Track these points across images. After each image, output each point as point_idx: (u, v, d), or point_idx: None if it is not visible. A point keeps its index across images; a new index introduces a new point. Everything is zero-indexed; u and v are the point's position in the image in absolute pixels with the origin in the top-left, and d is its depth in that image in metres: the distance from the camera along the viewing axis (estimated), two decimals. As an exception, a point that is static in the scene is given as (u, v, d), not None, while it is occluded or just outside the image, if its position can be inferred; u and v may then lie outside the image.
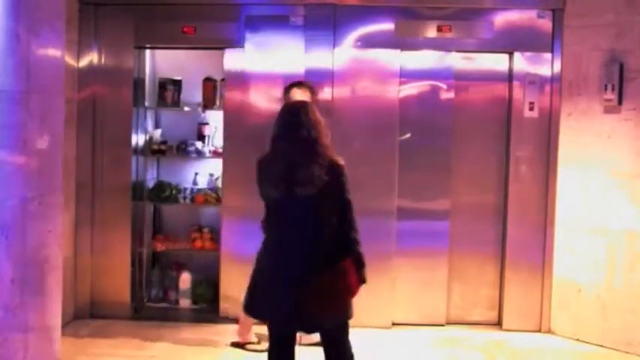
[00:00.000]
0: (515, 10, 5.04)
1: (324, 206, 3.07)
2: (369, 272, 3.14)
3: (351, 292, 3.10)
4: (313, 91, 4.46)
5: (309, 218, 3.07)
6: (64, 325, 4.78)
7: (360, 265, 3.12)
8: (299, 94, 4.32)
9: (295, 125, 3.12)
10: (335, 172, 3.09)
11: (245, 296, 3.27)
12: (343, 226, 3.11)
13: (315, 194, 3.04)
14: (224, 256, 5.13)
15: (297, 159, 3.07)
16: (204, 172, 5.68)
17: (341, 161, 3.13)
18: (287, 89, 4.45)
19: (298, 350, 3.32)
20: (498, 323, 5.15)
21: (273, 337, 3.26)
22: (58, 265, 3.30)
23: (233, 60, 5.10)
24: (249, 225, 4.57)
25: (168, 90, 5.54)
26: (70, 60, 4.93)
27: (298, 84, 4.47)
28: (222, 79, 5.32)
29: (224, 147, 5.19)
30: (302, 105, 3.30)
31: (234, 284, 4.81)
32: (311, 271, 3.02)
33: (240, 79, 5.08)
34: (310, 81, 4.64)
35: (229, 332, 4.81)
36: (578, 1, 4.90)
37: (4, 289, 2.77)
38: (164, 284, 5.56)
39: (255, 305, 3.23)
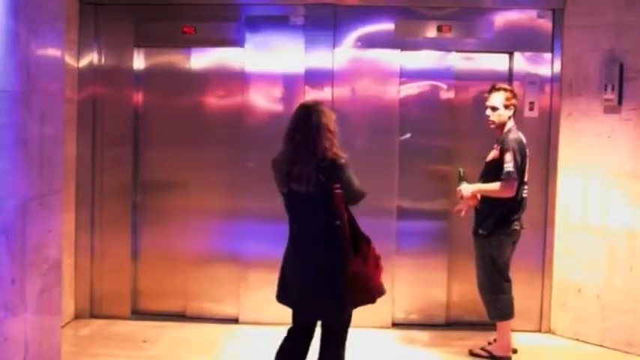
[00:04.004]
0: (515, 10, 5.05)
1: (325, 205, 3.21)
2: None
3: (370, 278, 3.27)
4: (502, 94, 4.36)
5: (312, 216, 3.27)
6: (64, 325, 4.80)
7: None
8: (491, 98, 4.37)
9: (297, 127, 3.29)
10: (334, 172, 3.22)
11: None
12: (351, 221, 3.29)
13: (315, 193, 3.20)
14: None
15: (294, 159, 3.23)
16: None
17: (342, 160, 3.24)
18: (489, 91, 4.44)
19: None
20: (498, 323, 5.14)
21: (293, 323, 3.42)
22: (59, 265, 3.30)
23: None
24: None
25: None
26: (70, 60, 4.93)
27: (494, 88, 4.40)
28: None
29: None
30: (309, 106, 3.38)
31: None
32: (317, 263, 3.24)
33: (240, 79, 5.08)
34: (504, 85, 4.51)
35: (228, 332, 4.81)
36: (578, 1, 4.90)
37: (4, 289, 2.76)
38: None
39: (281, 293, 3.41)
